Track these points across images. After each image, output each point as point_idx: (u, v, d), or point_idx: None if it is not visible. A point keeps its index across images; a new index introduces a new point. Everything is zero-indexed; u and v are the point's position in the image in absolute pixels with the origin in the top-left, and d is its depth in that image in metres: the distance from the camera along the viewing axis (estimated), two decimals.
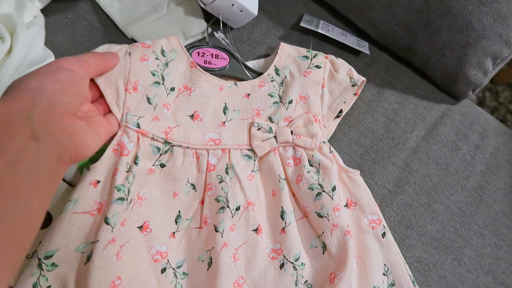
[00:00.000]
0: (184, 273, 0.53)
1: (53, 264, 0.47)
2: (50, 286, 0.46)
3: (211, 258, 0.52)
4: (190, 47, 0.63)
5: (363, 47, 0.73)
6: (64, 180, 0.55)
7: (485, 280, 0.61)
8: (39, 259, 0.47)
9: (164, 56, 0.59)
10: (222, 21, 0.68)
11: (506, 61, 0.70)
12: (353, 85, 0.63)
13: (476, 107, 0.75)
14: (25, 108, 0.38)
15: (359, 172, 0.60)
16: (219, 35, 0.65)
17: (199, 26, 0.69)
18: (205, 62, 0.63)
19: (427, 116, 0.70)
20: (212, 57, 0.64)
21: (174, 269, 0.52)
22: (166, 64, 0.59)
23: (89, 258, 0.47)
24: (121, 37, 0.69)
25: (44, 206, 0.39)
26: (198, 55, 0.64)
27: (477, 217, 0.65)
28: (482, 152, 0.69)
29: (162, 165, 0.55)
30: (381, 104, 0.70)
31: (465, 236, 0.63)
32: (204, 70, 0.61)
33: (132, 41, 0.69)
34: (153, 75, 0.57)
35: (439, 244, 0.62)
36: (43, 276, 0.46)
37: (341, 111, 0.65)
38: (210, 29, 0.70)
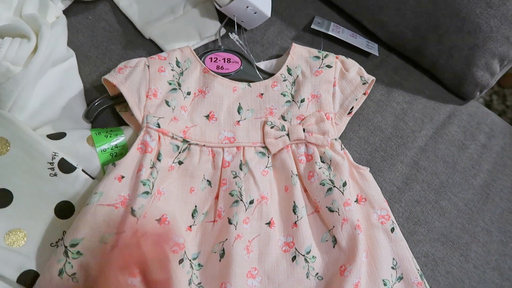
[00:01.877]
0: (199, 264, 0.55)
1: (78, 252, 0.49)
2: (75, 273, 0.49)
3: (223, 250, 0.54)
4: (202, 53, 0.67)
5: (373, 48, 0.75)
6: (89, 175, 0.57)
7: (491, 275, 0.62)
8: (65, 247, 0.50)
9: (179, 66, 0.63)
10: (237, 23, 0.70)
11: None
12: (363, 83, 0.65)
13: (483, 107, 0.76)
14: None
15: (369, 169, 0.62)
16: (234, 36, 0.68)
17: (214, 27, 0.72)
18: (217, 67, 0.67)
19: (435, 116, 0.72)
20: (224, 61, 0.67)
21: (190, 260, 0.55)
22: (181, 73, 0.63)
23: (113, 247, 0.49)
24: (139, 38, 0.72)
25: None
26: (211, 60, 0.67)
27: (484, 214, 0.66)
28: (489, 152, 0.71)
29: (180, 162, 0.59)
30: (390, 103, 0.72)
31: (472, 232, 0.65)
32: (218, 75, 0.64)
33: (150, 41, 0.72)
34: (170, 84, 0.62)
35: (446, 240, 0.64)
36: (69, 263, 0.49)
37: (351, 109, 0.67)
38: (224, 30, 0.72)
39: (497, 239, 0.65)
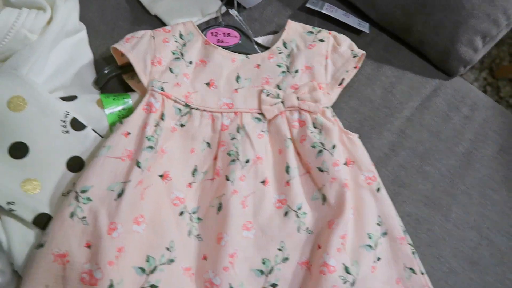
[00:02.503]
0: (198, 218, 0.60)
1: (88, 198, 0.54)
2: (85, 217, 0.54)
3: (220, 204, 0.59)
4: (204, 28, 0.72)
5: (364, 27, 0.80)
6: (98, 134, 0.62)
7: (470, 234, 0.67)
8: (76, 192, 0.55)
9: (182, 39, 0.69)
10: (236, 1, 0.75)
11: (495, 40, 0.76)
12: (354, 56, 0.71)
13: (468, 83, 0.81)
14: None
15: (358, 135, 0.66)
16: (233, 12, 0.73)
17: (215, 5, 0.77)
18: (218, 41, 0.72)
19: (421, 89, 0.77)
20: (224, 35, 0.72)
21: (190, 214, 0.60)
22: (184, 45, 0.68)
23: (119, 195, 0.55)
24: (146, 14, 0.77)
25: None
26: (212, 35, 0.72)
27: (465, 179, 0.71)
28: (472, 122, 0.75)
29: (182, 125, 0.64)
30: (380, 77, 0.77)
31: (453, 195, 0.69)
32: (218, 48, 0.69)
33: (156, 18, 0.77)
34: (173, 53, 0.67)
35: (429, 201, 0.68)
36: (79, 207, 0.54)
37: (342, 80, 0.72)
38: (224, 9, 0.77)
39: (476, 201, 0.69)
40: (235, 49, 0.72)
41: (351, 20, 0.80)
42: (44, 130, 0.59)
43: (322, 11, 0.78)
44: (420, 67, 0.80)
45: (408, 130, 0.73)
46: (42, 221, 0.56)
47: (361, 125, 0.72)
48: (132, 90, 0.69)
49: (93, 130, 0.62)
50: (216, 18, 0.77)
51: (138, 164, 0.57)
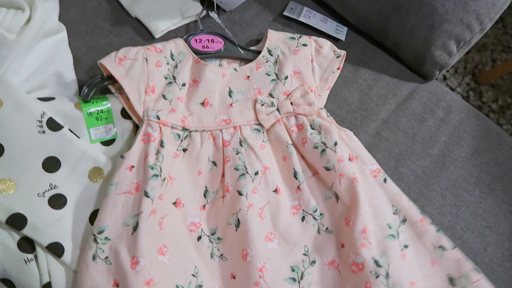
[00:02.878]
0: (218, 238, 0.60)
1: (106, 238, 0.54)
2: (107, 257, 0.54)
3: (238, 220, 0.59)
4: (188, 35, 0.72)
5: (341, 33, 0.81)
6: (75, 134, 0.62)
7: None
8: (94, 235, 0.55)
9: (173, 59, 0.68)
10: (216, 4, 0.76)
11: (470, 44, 0.78)
12: (337, 57, 0.73)
13: (443, 87, 0.83)
14: None
15: (352, 132, 0.68)
16: (213, 14, 0.74)
17: (195, 8, 0.78)
18: (203, 47, 0.72)
19: (397, 92, 0.79)
20: (209, 41, 0.73)
21: (208, 236, 0.60)
22: (176, 66, 0.68)
23: (135, 228, 0.55)
24: (126, 16, 0.78)
25: None
26: (196, 42, 0.73)
27: (439, 180, 0.72)
28: (447, 125, 0.77)
29: (184, 150, 0.64)
30: (357, 80, 0.78)
31: (428, 196, 0.70)
32: (203, 54, 0.70)
33: (136, 20, 0.77)
34: (166, 78, 0.67)
35: None
36: (100, 248, 0.54)
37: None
38: (204, 12, 0.78)
39: (450, 202, 0.70)
40: (222, 53, 0.72)
41: (329, 27, 0.81)
42: (20, 129, 0.59)
43: (300, 19, 0.80)
44: (397, 70, 0.82)
45: (384, 132, 0.74)
46: (16, 222, 0.55)
47: None
48: (111, 92, 0.69)
49: (69, 130, 0.62)
50: (195, 22, 0.78)
51: (146, 194, 0.57)
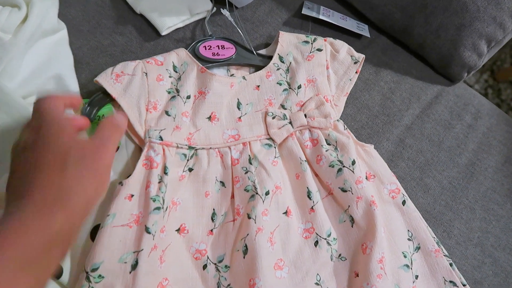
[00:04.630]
0: (226, 266, 0.54)
1: (99, 276, 0.49)
2: None
3: (246, 246, 0.53)
4: (196, 42, 0.67)
5: (363, 30, 0.76)
6: None
7: (473, 252, 0.63)
8: (87, 272, 0.49)
9: (176, 71, 0.62)
10: (228, 1, 0.71)
11: (501, 44, 0.72)
12: (355, 63, 0.66)
13: (470, 89, 0.77)
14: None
15: (373, 146, 0.62)
16: (225, 12, 0.68)
17: (204, 4, 0.72)
18: (213, 54, 0.66)
19: (422, 96, 0.73)
20: (219, 48, 0.67)
21: (215, 264, 0.54)
22: (179, 78, 0.62)
23: (134, 266, 0.49)
24: (130, 13, 0.72)
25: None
26: (205, 49, 0.67)
27: (468, 192, 0.67)
28: (475, 132, 0.71)
29: (190, 169, 0.58)
30: (378, 83, 0.73)
31: (455, 209, 0.65)
32: (214, 62, 0.65)
33: (141, 16, 0.72)
34: (169, 93, 0.61)
35: (430, 216, 0.64)
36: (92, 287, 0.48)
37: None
38: (215, 9, 0.73)
39: (480, 216, 0.65)
40: (234, 60, 0.67)
41: (350, 24, 0.75)
42: (14, 138, 0.55)
43: (320, 17, 0.74)
44: (421, 71, 0.76)
45: (408, 140, 0.69)
46: None
47: (358, 134, 0.68)
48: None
49: None
50: (203, 25, 0.72)
51: (147, 230, 0.51)
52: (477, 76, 1.59)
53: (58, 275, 0.52)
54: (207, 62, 0.65)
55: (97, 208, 0.56)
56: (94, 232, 0.54)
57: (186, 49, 0.65)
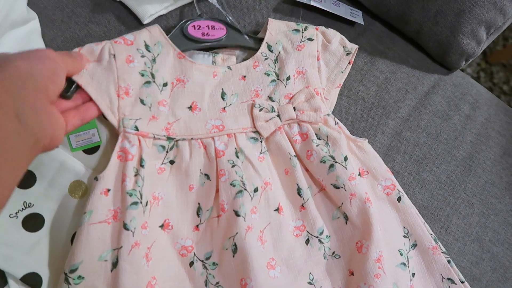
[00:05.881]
0: (214, 263, 0.52)
1: (79, 277, 0.45)
2: None
3: (235, 245, 0.50)
4: (184, 22, 0.62)
5: (357, 17, 0.72)
6: None
7: (471, 247, 0.61)
8: (65, 274, 0.46)
9: (149, 51, 0.57)
10: None
11: (500, 30, 0.69)
12: (347, 54, 0.63)
13: (468, 78, 0.74)
14: (12, 87, 0.38)
15: (367, 140, 0.59)
16: (212, 0, 0.63)
17: None
18: (203, 34, 0.62)
19: (418, 86, 0.70)
20: (209, 28, 0.63)
21: (202, 261, 0.52)
22: (154, 60, 0.57)
23: (114, 264, 0.46)
24: (108, 0, 0.67)
25: (12, 183, 0.38)
26: (194, 28, 0.62)
27: (466, 186, 0.64)
28: (473, 123, 0.69)
29: (172, 162, 0.54)
30: (373, 73, 0.69)
31: (453, 204, 0.63)
32: (204, 42, 0.60)
33: (120, 3, 0.67)
34: (142, 75, 0.55)
35: (427, 212, 0.62)
36: None
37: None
38: None
39: (478, 211, 0.63)
40: (225, 42, 0.62)
41: (343, 10, 0.71)
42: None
43: (311, 3, 0.69)
44: (418, 60, 0.73)
45: (404, 133, 0.66)
46: None
47: (353, 127, 0.65)
48: None
49: None
50: (190, 6, 0.68)
51: (125, 227, 0.48)
52: None
53: (37, 284, 0.49)
54: (196, 43, 0.61)
55: (77, 212, 0.53)
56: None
57: (171, 33, 0.60)
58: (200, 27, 0.62)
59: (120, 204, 0.49)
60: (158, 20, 0.67)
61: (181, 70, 0.58)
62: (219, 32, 0.62)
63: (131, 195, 0.49)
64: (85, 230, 0.47)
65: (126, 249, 0.47)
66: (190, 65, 0.58)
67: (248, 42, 0.63)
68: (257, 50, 0.62)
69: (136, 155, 0.52)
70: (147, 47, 0.57)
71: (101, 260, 0.46)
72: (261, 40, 0.63)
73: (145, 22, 0.66)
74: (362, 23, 0.71)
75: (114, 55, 0.54)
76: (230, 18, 0.63)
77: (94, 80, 0.52)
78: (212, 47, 0.63)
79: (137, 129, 0.53)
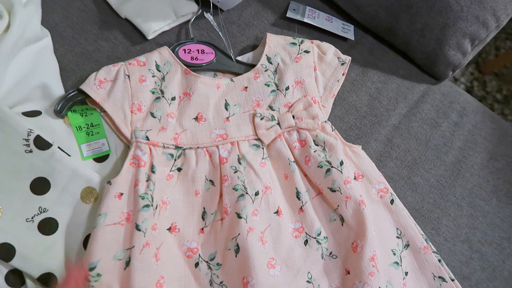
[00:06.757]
0: (218, 264, 0.56)
1: (98, 274, 0.49)
2: None
3: (237, 245, 0.54)
4: (175, 45, 0.66)
5: (348, 32, 0.76)
6: (65, 152, 0.57)
7: (461, 248, 0.64)
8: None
9: (159, 70, 0.63)
10: (213, 3, 0.70)
11: (485, 43, 0.73)
12: (342, 64, 0.67)
13: (456, 87, 0.78)
14: None
15: (361, 146, 0.63)
16: (208, 16, 0.68)
17: (189, 6, 0.72)
18: (192, 58, 0.66)
19: (408, 95, 0.74)
20: (198, 52, 0.67)
21: (207, 262, 0.56)
22: (163, 78, 0.62)
23: (127, 263, 0.50)
24: (115, 17, 0.72)
25: None
26: (185, 52, 0.66)
27: (455, 189, 0.68)
28: (461, 129, 0.73)
29: (179, 169, 0.59)
30: (365, 83, 0.73)
31: (443, 207, 0.66)
32: (192, 66, 0.65)
33: (126, 20, 0.72)
34: (153, 93, 0.61)
35: (418, 214, 0.65)
36: (92, 286, 0.49)
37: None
38: (200, 10, 0.72)
39: (467, 213, 0.67)
40: (211, 66, 0.67)
41: (335, 26, 0.75)
42: (4, 150, 0.55)
43: (305, 21, 0.74)
44: (407, 71, 0.77)
45: (395, 139, 0.70)
46: (3, 253, 0.51)
47: (347, 135, 0.69)
48: None
49: (59, 148, 0.57)
50: (187, 28, 0.72)
51: (137, 227, 0.52)
52: (462, 69, 1.61)
53: (52, 285, 0.52)
54: (186, 66, 0.65)
55: (89, 216, 0.56)
56: (87, 241, 0.55)
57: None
58: (190, 50, 0.66)
59: (132, 206, 0.54)
60: (161, 36, 0.72)
61: (187, 85, 0.63)
62: (208, 56, 0.67)
63: (143, 198, 0.53)
64: (101, 231, 0.51)
65: (138, 249, 0.50)
66: (195, 79, 0.63)
67: (235, 67, 0.67)
68: (243, 73, 0.66)
69: (148, 162, 0.57)
70: (157, 67, 0.62)
71: (115, 259, 0.51)
72: (250, 65, 0.67)
73: (149, 37, 0.71)
74: (353, 38, 0.75)
75: (129, 76, 0.60)
76: (222, 36, 0.67)
77: (111, 98, 0.58)
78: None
79: (147, 138, 0.58)
